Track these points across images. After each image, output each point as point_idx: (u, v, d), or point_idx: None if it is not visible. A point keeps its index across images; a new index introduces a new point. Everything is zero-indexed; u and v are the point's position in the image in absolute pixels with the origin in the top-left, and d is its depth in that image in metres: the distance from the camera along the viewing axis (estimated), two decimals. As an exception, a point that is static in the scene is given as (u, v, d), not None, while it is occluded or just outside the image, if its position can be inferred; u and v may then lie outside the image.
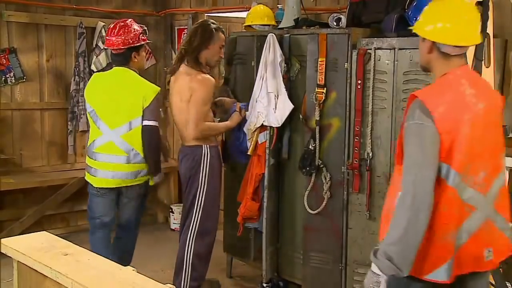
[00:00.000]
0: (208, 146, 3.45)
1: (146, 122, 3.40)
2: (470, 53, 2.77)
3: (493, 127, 2.12)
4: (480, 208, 2.06)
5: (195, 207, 3.47)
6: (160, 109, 3.93)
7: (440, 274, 2.01)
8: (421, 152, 1.98)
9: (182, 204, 3.75)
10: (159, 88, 3.52)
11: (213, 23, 3.51)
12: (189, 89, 3.38)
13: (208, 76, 3.42)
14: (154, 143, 3.45)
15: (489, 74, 2.86)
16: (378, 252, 2.02)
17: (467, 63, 2.20)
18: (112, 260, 2.30)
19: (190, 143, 3.47)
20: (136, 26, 3.50)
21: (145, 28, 3.59)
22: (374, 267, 2.03)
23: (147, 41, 3.55)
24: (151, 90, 3.44)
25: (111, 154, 3.42)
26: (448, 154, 1.99)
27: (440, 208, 2.00)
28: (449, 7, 2.14)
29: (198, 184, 3.45)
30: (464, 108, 2.04)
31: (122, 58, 3.46)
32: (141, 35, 3.49)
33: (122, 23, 3.48)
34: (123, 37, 3.42)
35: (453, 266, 2.02)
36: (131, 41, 3.43)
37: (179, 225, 5.15)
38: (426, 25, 2.15)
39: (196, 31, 3.48)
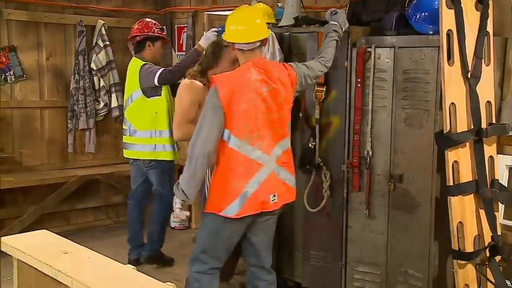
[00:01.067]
0: None
1: (155, 78, 3.93)
2: (470, 52, 2.77)
3: (279, 104, 2.77)
4: (267, 164, 2.76)
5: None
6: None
7: (229, 211, 2.72)
8: (205, 119, 2.69)
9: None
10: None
11: (222, 40, 3.51)
12: (178, 93, 3.40)
13: (195, 82, 3.38)
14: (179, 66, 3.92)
15: (489, 72, 2.86)
16: (177, 184, 2.76)
17: (262, 56, 2.86)
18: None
19: None
20: (154, 22, 4.22)
21: (164, 27, 4.29)
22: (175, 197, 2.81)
23: (163, 35, 4.17)
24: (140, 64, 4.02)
25: (123, 129, 4.20)
26: (229, 123, 2.68)
27: (224, 162, 2.74)
28: (238, 14, 2.85)
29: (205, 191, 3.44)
30: (247, 90, 2.70)
31: (139, 46, 4.14)
32: (157, 29, 4.15)
33: (144, 20, 4.23)
34: (140, 27, 4.13)
35: (243, 206, 2.71)
36: (145, 31, 4.10)
37: (178, 223, 5.20)
38: (226, 29, 2.83)
39: (208, 51, 3.48)
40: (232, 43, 2.78)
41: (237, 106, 2.68)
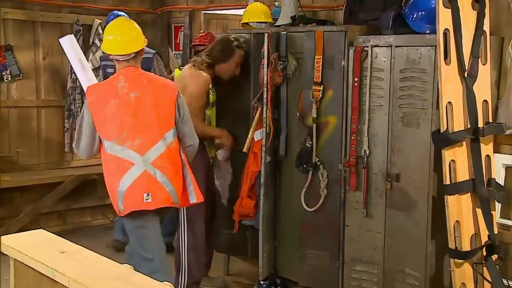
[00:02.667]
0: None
1: None
2: (467, 51, 2.78)
3: (149, 109, 2.92)
4: (138, 163, 2.85)
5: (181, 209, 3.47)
6: None
7: (120, 209, 2.89)
8: (82, 126, 2.95)
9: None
10: None
11: (235, 40, 3.58)
12: (183, 84, 3.42)
13: (203, 73, 3.43)
14: None
15: (485, 71, 2.87)
16: None
17: (134, 65, 2.99)
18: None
19: None
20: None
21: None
22: None
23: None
24: None
25: None
26: (100, 127, 2.90)
27: (103, 163, 2.96)
28: (114, 25, 3.11)
29: None
30: (113, 96, 2.90)
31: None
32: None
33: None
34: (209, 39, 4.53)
35: (124, 203, 2.85)
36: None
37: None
38: (104, 39, 3.06)
39: (218, 44, 3.57)
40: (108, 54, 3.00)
41: (102, 110, 2.89)
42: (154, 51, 4.44)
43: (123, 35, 2.99)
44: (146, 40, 3.08)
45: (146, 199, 2.86)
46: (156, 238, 3.00)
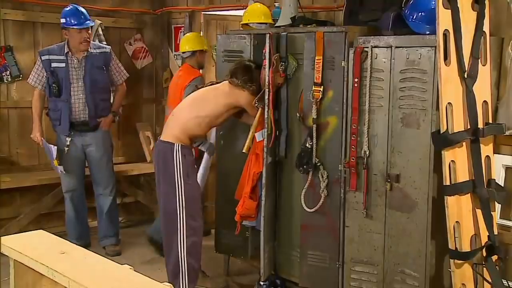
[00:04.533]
0: (180, 145, 3.45)
1: None
2: (467, 52, 2.78)
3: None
4: None
5: (179, 208, 3.46)
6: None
7: None
8: None
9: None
10: None
11: (252, 63, 3.58)
12: (232, 96, 3.53)
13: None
14: None
15: (485, 72, 2.87)
16: None
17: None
18: None
19: (165, 138, 3.51)
20: None
21: None
22: None
23: None
24: None
25: None
26: None
27: None
28: None
29: (176, 183, 3.44)
30: None
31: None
32: None
33: None
34: None
35: None
36: None
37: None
38: None
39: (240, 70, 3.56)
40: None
41: None
42: (109, 47, 4.59)
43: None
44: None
45: None
46: None
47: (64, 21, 4.30)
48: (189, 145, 3.55)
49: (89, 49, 4.39)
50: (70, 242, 4.32)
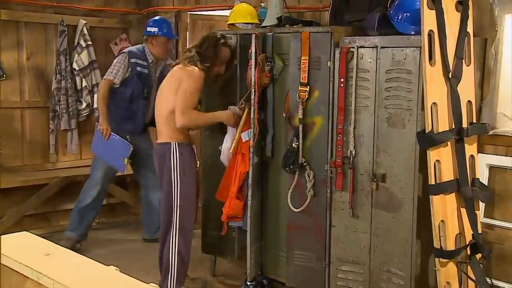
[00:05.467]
0: (176, 143, 3.45)
1: None
2: (451, 52, 2.81)
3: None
4: None
5: (174, 208, 3.47)
6: None
7: None
8: None
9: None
10: None
11: (222, 37, 3.57)
12: (177, 79, 3.43)
13: (197, 69, 3.43)
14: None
15: (469, 72, 2.90)
16: None
17: None
18: None
19: (161, 140, 3.53)
20: None
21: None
22: None
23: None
24: None
25: None
26: None
27: None
28: None
29: (172, 182, 3.45)
30: None
31: None
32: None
33: None
34: None
35: None
36: None
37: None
38: None
39: (205, 43, 3.54)
40: None
41: None
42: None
43: None
44: None
45: None
46: None
47: (157, 30, 4.42)
48: (187, 141, 3.53)
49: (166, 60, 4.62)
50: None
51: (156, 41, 4.43)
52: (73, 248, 4.11)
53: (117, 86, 4.37)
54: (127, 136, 4.43)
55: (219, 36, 3.58)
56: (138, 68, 4.40)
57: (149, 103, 4.39)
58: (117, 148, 4.39)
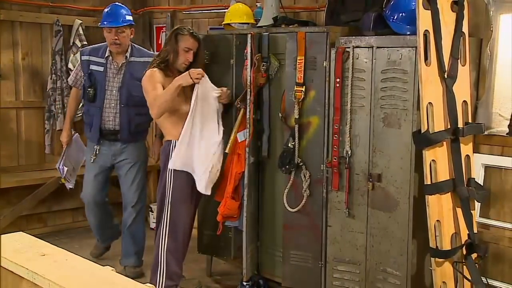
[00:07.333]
0: (176, 142, 3.46)
1: None
2: (447, 52, 2.81)
3: None
4: None
5: (165, 203, 3.50)
6: None
7: None
8: None
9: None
10: None
11: (178, 28, 3.56)
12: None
13: (148, 70, 3.49)
14: None
15: (465, 72, 2.90)
16: None
17: None
18: None
19: (165, 138, 3.63)
20: None
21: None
22: None
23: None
24: None
25: None
26: None
27: None
28: None
29: (166, 179, 3.49)
30: None
31: None
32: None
33: None
34: None
35: None
36: None
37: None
38: None
39: (166, 41, 3.60)
40: None
41: None
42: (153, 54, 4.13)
43: None
44: None
45: None
46: None
47: (100, 22, 3.95)
48: None
49: (127, 55, 3.93)
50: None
51: (105, 34, 3.93)
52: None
53: (80, 89, 4.05)
54: (94, 146, 3.98)
55: (175, 28, 3.61)
56: (92, 66, 3.93)
57: (104, 107, 3.90)
58: (76, 153, 4.26)
